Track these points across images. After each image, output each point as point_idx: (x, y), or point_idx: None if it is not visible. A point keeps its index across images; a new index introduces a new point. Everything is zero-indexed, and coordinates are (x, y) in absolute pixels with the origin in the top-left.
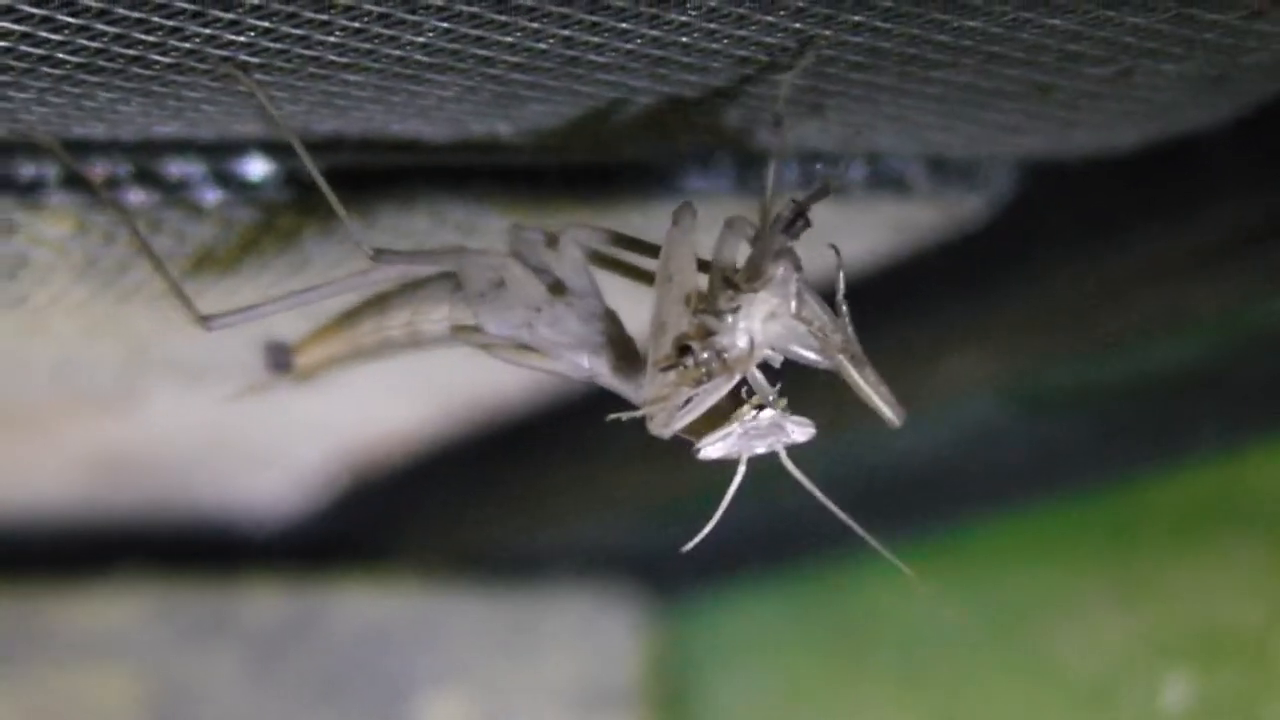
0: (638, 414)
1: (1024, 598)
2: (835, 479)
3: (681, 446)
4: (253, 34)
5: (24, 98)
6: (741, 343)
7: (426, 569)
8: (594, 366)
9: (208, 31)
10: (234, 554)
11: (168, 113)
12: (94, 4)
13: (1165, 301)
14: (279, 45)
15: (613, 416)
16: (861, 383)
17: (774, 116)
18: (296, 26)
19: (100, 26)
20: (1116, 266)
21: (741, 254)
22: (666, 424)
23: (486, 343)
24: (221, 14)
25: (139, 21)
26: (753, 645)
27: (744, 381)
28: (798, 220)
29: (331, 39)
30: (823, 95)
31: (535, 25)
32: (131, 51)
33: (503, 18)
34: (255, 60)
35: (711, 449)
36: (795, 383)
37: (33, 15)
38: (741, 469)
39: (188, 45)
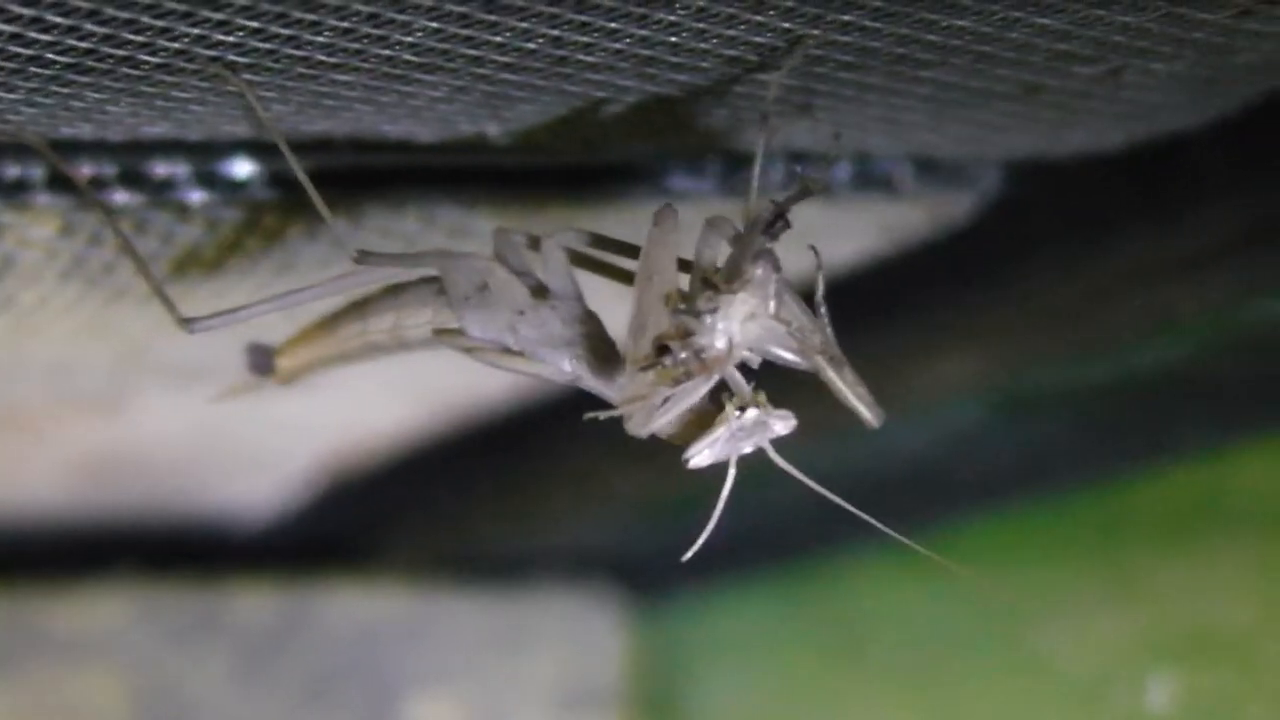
0: (615, 413)
1: (1012, 597)
2: (822, 480)
3: (667, 447)
4: (241, 34)
5: (12, 98)
6: (720, 343)
7: (413, 570)
8: (576, 369)
9: (196, 31)
10: (223, 555)
11: (156, 113)
12: (83, 4)
13: (1152, 302)
14: (268, 45)
15: (590, 416)
16: (840, 384)
17: (761, 116)
18: (285, 26)
19: (89, 27)
20: (1104, 267)
21: (722, 254)
22: (644, 424)
23: (470, 346)
24: (210, 14)
25: (128, 22)
26: (739, 645)
27: (722, 383)
28: (778, 221)
29: (320, 39)
30: (811, 95)
31: (524, 25)
32: (120, 52)
33: (491, 17)
34: (244, 60)
35: (699, 457)
36: (778, 384)
37: (21, 15)
38: (732, 472)
39: (176, 45)
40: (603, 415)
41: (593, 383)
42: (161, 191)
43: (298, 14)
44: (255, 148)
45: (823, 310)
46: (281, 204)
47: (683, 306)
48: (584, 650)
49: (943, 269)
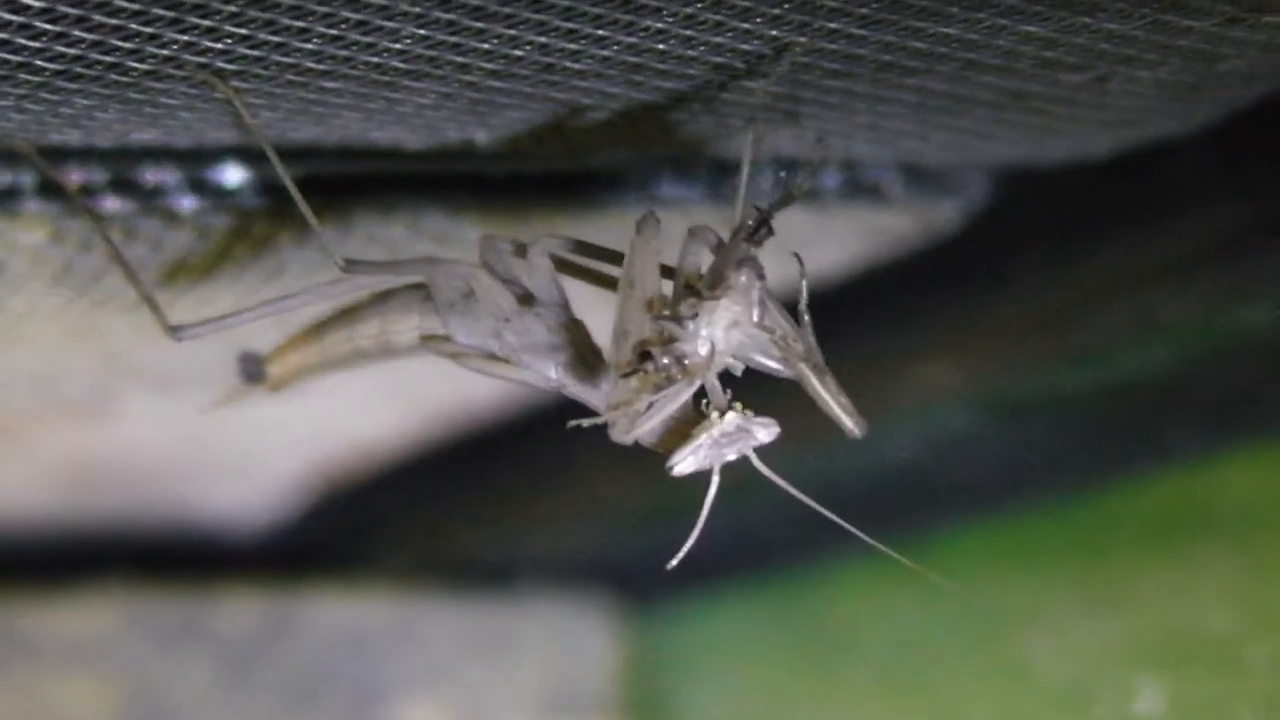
0: (599, 420)
1: (998, 605)
2: (807, 488)
3: (654, 453)
4: (230, 41)
5: (1, 105)
6: (702, 349)
7: (401, 576)
8: (561, 376)
9: (185, 38)
10: (209, 561)
11: (144, 120)
12: (71, 11)
13: (1137, 309)
14: (256, 52)
15: (573, 423)
16: (823, 393)
17: (748, 123)
18: (273, 33)
19: (78, 33)
20: (1090, 273)
21: (705, 262)
22: (628, 430)
23: (456, 352)
24: (199, 21)
25: (116, 28)
26: (727, 652)
27: (702, 391)
28: (761, 228)
29: (308, 46)
30: (798, 102)
31: (511, 32)
32: (109, 58)
33: (479, 25)
34: (232, 67)
35: (683, 465)
36: (762, 392)
37: (10, 22)
38: (715, 479)
39: (165, 52)
40: (586, 422)
41: (577, 389)
42: (151, 198)
43: (286, 21)
44: (245, 155)
45: (806, 318)
46: (271, 211)
47: (665, 313)
48: (571, 656)
49: (930, 276)
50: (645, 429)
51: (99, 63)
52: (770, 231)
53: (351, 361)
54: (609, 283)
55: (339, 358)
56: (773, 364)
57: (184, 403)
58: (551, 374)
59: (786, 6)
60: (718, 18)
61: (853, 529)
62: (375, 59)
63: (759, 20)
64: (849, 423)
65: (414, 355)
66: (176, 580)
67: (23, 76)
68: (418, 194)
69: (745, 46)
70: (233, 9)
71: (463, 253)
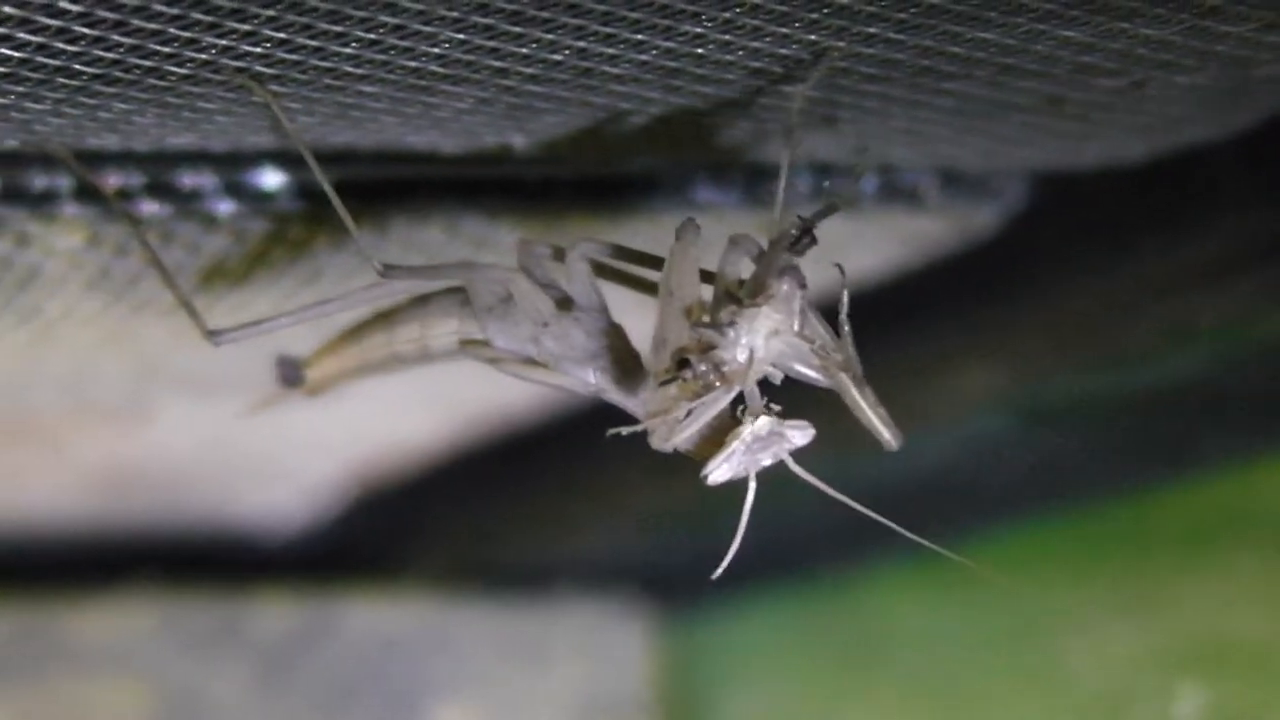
0: (638, 428)
1: (1035, 610)
2: (843, 492)
3: (691, 459)
4: (268, 45)
5: (39, 109)
6: (741, 356)
7: (436, 580)
8: (599, 382)
9: (223, 43)
10: (244, 565)
11: (182, 124)
12: (110, 15)
13: (1175, 314)
14: (294, 56)
15: (612, 431)
16: (861, 403)
17: (786, 128)
18: (312, 38)
19: (116, 38)
20: (1126, 279)
21: (746, 270)
22: (667, 438)
23: (494, 357)
24: (237, 25)
25: (155, 33)
26: (762, 657)
27: (739, 397)
28: (804, 237)
29: (347, 50)
30: (835, 107)
31: (550, 37)
32: (147, 63)
33: (517, 29)
34: (270, 71)
35: (718, 473)
36: (800, 397)
37: (49, 26)
38: (752, 486)
39: (203, 56)
40: (625, 431)
41: (616, 396)
42: (188, 202)
43: (324, 25)
44: (282, 159)
45: (846, 328)
46: (308, 215)
47: (705, 320)
48: (606, 661)
49: (966, 281)
50: (684, 436)
51: (137, 67)
52: (813, 241)
53: (389, 366)
54: (647, 287)
55: (377, 362)
56: (812, 373)
57: (220, 407)
58: (590, 379)
59: (825, 11)
60: (755, 23)
61: (897, 527)
62: (413, 63)
63: (797, 25)
64: (886, 434)
65: (452, 359)
66: (212, 584)
67: (61, 81)
68: (454, 198)
69: (783, 51)
70: (271, 13)
71: (500, 257)
